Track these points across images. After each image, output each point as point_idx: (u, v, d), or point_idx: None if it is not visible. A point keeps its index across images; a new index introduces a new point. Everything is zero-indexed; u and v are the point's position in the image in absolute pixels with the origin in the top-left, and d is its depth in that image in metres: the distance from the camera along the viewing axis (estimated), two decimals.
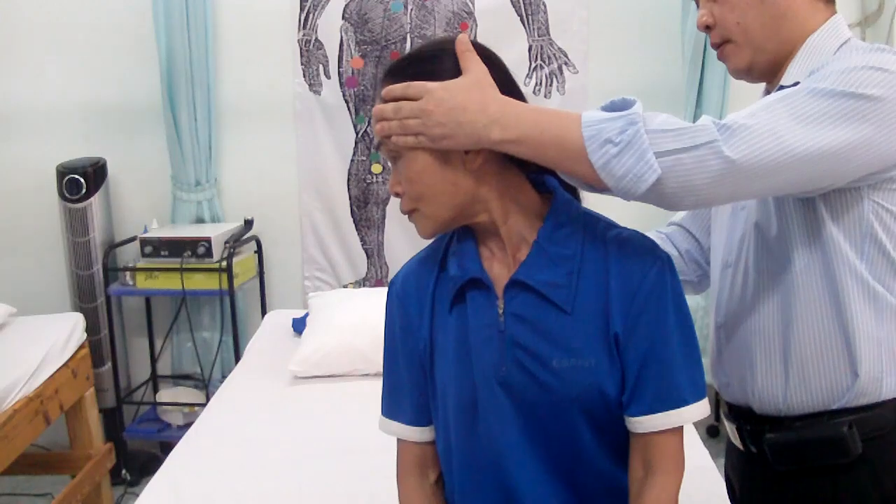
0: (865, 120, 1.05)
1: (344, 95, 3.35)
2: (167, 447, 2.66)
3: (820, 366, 1.19)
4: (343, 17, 3.30)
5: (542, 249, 1.09)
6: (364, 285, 3.47)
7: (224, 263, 3.09)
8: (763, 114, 1.05)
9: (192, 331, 3.36)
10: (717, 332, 1.33)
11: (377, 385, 1.29)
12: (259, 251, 3.44)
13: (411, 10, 3.28)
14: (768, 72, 1.23)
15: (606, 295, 1.08)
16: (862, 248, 1.15)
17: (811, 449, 1.20)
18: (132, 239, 3.30)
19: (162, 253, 3.14)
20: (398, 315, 1.20)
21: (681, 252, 1.46)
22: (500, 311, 1.10)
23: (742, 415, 1.30)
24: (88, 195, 3.19)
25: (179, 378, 3.47)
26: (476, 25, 3.27)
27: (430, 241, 1.20)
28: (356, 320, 2.59)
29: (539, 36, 3.27)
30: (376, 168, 3.41)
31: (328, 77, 3.34)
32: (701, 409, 1.10)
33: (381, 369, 1.27)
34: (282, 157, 3.41)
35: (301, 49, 3.33)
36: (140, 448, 3.47)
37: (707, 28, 1.23)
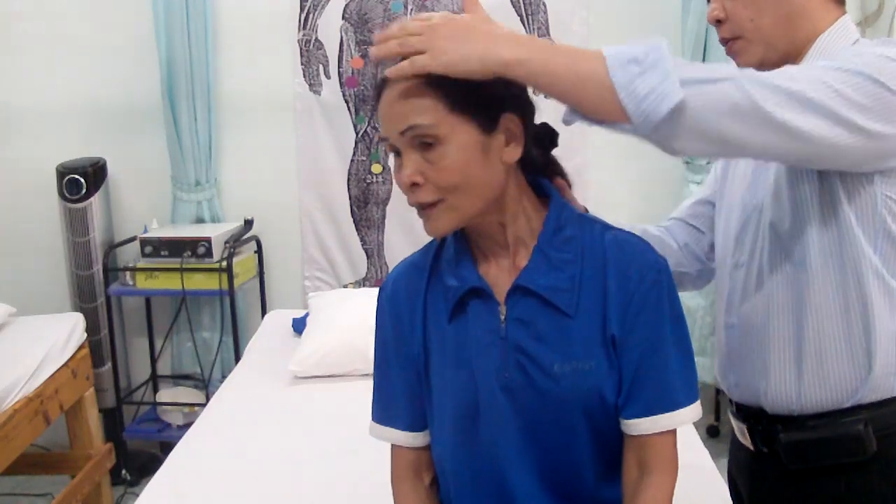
0: (889, 121, 1.05)
1: (344, 95, 3.35)
2: (167, 447, 2.65)
3: (836, 362, 1.18)
4: (343, 17, 3.30)
5: (543, 254, 1.08)
6: (364, 285, 3.47)
7: (224, 263, 3.09)
8: (795, 72, 1.06)
9: (192, 331, 3.36)
10: (727, 332, 1.32)
11: None
12: (259, 251, 3.44)
13: (411, 10, 3.28)
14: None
15: (604, 297, 1.08)
16: (875, 243, 1.15)
17: (827, 448, 1.20)
18: (132, 239, 3.30)
19: (162, 253, 3.14)
20: (390, 321, 1.19)
21: (680, 246, 1.46)
22: (502, 318, 1.09)
23: (752, 414, 1.30)
24: (88, 195, 3.18)
25: (179, 378, 3.47)
26: None
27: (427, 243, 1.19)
28: (356, 320, 2.59)
29: (539, 36, 3.27)
30: (376, 168, 3.41)
31: (328, 77, 3.34)
32: (695, 412, 1.10)
33: None
34: (282, 157, 3.41)
35: (301, 49, 3.33)
36: (140, 448, 3.47)
37: (717, 22, 1.22)
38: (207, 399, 3.04)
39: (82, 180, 3.17)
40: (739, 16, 1.20)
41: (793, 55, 1.20)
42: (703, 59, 3.07)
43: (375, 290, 1.27)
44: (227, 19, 3.33)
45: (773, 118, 1.02)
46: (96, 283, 3.25)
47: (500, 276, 1.11)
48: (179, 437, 2.22)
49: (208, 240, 3.10)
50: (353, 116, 3.37)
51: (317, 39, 3.32)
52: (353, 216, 3.45)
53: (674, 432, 1.10)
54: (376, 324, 1.21)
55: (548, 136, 1.18)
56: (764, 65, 1.21)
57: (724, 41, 1.24)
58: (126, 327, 3.48)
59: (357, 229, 3.45)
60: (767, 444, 1.28)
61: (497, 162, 1.05)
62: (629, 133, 1.03)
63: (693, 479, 1.46)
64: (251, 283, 3.41)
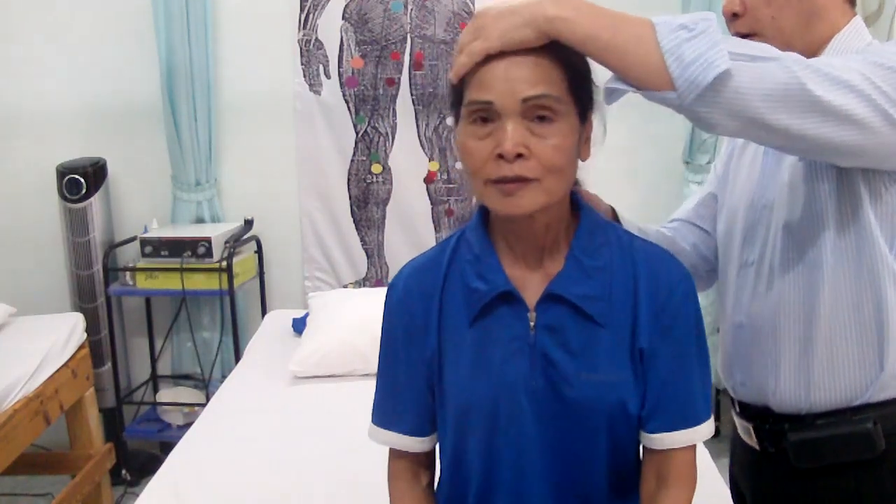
0: None
1: (344, 95, 3.35)
2: (167, 447, 2.65)
3: (847, 361, 1.18)
4: (343, 17, 3.30)
5: (577, 261, 1.07)
6: (364, 285, 3.48)
7: (224, 263, 3.09)
8: (836, 62, 1.05)
9: (192, 331, 3.36)
10: (734, 331, 1.32)
11: None
12: (259, 251, 3.44)
13: (411, 10, 3.28)
14: None
15: (634, 308, 1.06)
16: (893, 243, 1.15)
17: (836, 446, 1.20)
18: (132, 239, 3.30)
19: (162, 253, 3.14)
20: (400, 320, 1.14)
21: (690, 247, 1.45)
22: (532, 324, 1.07)
23: (758, 414, 1.29)
24: (88, 195, 3.19)
25: (179, 378, 3.47)
26: None
27: (433, 244, 1.18)
28: (356, 320, 2.59)
29: None
30: (376, 168, 3.41)
31: (328, 77, 3.34)
32: (711, 427, 1.11)
33: None
34: (282, 157, 3.41)
35: (301, 49, 3.33)
36: (140, 448, 3.47)
37: (734, 16, 1.20)
38: (207, 399, 3.04)
39: (82, 180, 3.17)
40: (761, 13, 1.18)
41: (807, 55, 1.19)
42: None
43: (376, 290, 1.27)
44: (227, 19, 3.33)
45: (820, 101, 1.01)
46: (96, 283, 3.25)
47: (529, 280, 1.08)
48: (179, 437, 2.21)
49: (208, 240, 3.10)
50: (353, 116, 3.37)
51: (317, 39, 3.32)
52: (353, 216, 3.45)
53: (693, 447, 1.10)
54: (384, 323, 1.17)
55: None
56: None
57: (739, 36, 1.22)
58: (126, 327, 3.48)
59: (357, 229, 3.46)
60: (774, 443, 1.27)
61: (577, 156, 1.05)
62: (671, 103, 1.01)
63: None
64: (251, 283, 3.41)
